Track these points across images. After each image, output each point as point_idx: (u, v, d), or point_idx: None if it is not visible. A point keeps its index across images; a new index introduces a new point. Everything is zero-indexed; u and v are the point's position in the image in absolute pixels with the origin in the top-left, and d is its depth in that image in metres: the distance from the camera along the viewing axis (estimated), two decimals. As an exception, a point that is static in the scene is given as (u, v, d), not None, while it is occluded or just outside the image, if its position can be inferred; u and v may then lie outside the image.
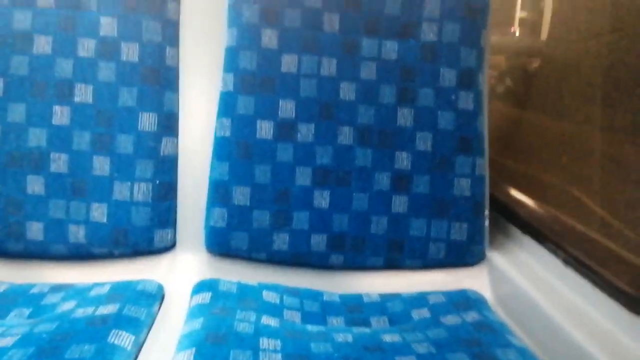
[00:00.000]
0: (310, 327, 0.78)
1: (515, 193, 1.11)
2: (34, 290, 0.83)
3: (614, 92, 1.03)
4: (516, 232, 0.99)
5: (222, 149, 0.90)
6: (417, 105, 0.94)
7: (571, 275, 0.81)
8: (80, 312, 0.73)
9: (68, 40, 0.88)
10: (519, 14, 1.56)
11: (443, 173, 0.94)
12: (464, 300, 0.87)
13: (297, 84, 0.92)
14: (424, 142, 0.94)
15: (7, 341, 0.66)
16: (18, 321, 0.75)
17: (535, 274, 0.88)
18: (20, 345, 0.65)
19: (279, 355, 0.67)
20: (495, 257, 0.97)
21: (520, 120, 1.38)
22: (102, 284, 0.83)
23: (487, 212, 0.97)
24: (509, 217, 1.03)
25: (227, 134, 0.90)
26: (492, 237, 1.00)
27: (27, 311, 0.78)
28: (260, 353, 0.67)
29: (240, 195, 0.89)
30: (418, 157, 0.93)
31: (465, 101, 0.95)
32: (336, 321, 0.83)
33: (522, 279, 0.88)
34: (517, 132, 1.37)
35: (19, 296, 0.82)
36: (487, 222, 0.97)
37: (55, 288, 0.84)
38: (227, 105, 0.91)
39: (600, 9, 1.10)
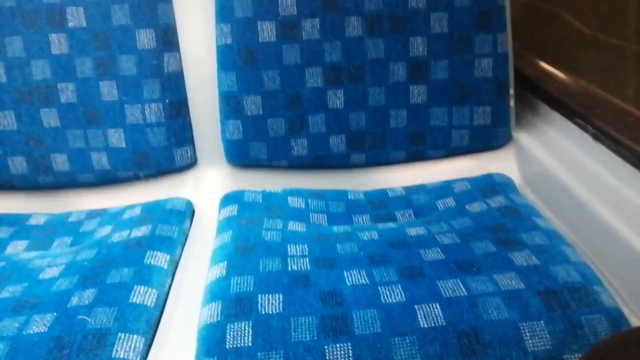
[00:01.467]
0: (336, 228, 0.80)
1: (544, 66, 1.04)
2: (72, 219, 0.87)
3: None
4: (545, 109, 0.94)
5: (225, 57, 0.87)
6: None
7: (601, 151, 0.77)
8: (116, 237, 0.77)
9: None
10: None
11: (462, 55, 0.88)
12: (490, 185, 0.85)
13: None
14: (439, 23, 0.87)
15: (54, 271, 0.71)
16: (61, 250, 0.80)
17: (564, 153, 0.85)
18: (66, 274, 0.69)
19: (307, 260, 0.69)
20: (522, 137, 0.94)
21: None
22: (133, 206, 0.86)
23: (511, 92, 0.92)
24: (537, 93, 0.97)
25: (229, 40, 0.86)
26: (519, 117, 0.96)
27: (68, 240, 0.83)
28: (289, 259, 0.69)
29: (252, 105, 0.87)
30: (434, 40, 0.87)
31: None
32: (362, 219, 0.84)
33: (550, 158, 0.85)
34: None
35: (59, 226, 0.86)
36: (512, 102, 0.92)
37: (91, 214, 0.88)
38: (224, 9, 0.86)
39: None
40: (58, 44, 0.85)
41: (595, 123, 0.80)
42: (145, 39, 0.86)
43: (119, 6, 0.85)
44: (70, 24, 0.85)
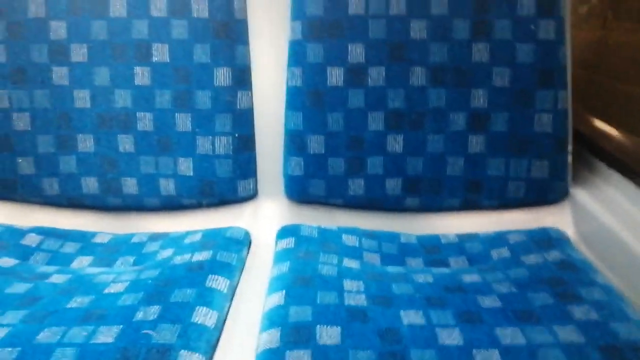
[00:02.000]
0: (390, 269, 0.81)
1: (601, 125, 1.05)
2: (135, 240, 0.91)
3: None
4: (602, 167, 0.95)
5: (294, 98, 0.92)
6: (493, 38, 0.90)
7: None
8: (178, 259, 0.80)
9: (141, 1, 0.91)
10: None
11: (522, 109, 0.90)
12: (545, 239, 0.86)
13: (365, 26, 0.90)
14: (501, 77, 0.90)
15: (119, 287, 0.74)
16: (125, 268, 0.83)
17: (621, 210, 0.84)
18: (130, 290, 0.73)
19: (363, 296, 0.71)
20: (579, 193, 0.94)
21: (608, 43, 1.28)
22: (194, 232, 0.90)
23: (570, 147, 0.93)
24: (594, 151, 0.98)
25: (299, 83, 0.91)
26: (576, 173, 0.97)
27: (131, 259, 0.87)
28: (345, 294, 0.71)
29: (315, 144, 0.91)
30: (495, 93, 0.90)
31: (546, 30, 0.89)
32: (415, 262, 0.85)
33: (607, 215, 0.85)
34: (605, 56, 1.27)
35: (122, 245, 0.90)
36: (570, 158, 0.93)
37: (153, 237, 0.92)
38: (296, 54, 0.91)
39: None
40: (141, 76, 0.92)
41: (655, 183, 0.81)
42: (222, 76, 0.92)
43: (201, 45, 0.91)
44: (155, 59, 0.92)
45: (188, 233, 0.90)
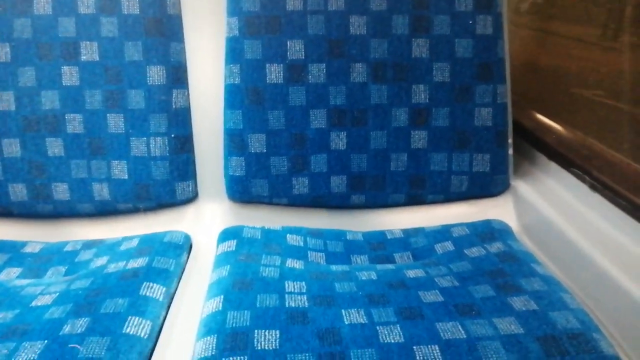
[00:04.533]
0: (334, 267, 0.79)
1: (542, 118, 1.07)
2: (68, 248, 0.87)
3: None
4: (542, 159, 0.96)
5: (233, 96, 0.89)
6: (433, 34, 0.89)
7: (598, 201, 0.79)
8: (112, 267, 0.76)
9: None
10: None
11: (463, 104, 0.91)
12: (488, 231, 0.86)
13: (304, 22, 0.88)
14: (441, 72, 0.90)
15: (47, 299, 0.70)
16: (55, 279, 0.79)
17: (561, 201, 0.86)
18: (59, 302, 0.68)
19: (305, 297, 0.69)
20: (520, 185, 0.95)
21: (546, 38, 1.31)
22: (130, 238, 0.85)
23: (510, 141, 0.94)
24: (535, 144, 0.99)
25: (237, 80, 0.88)
26: (517, 166, 0.98)
27: (63, 269, 0.82)
28: (286, 296, 0.69)
29: (256, 143, 0.89)
30: (436, 89, 0.90)
31: (484, 25, 0.90)
32: (360, 260, 0.84)
33: (548, 207, 0.86)
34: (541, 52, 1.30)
35: (54, 254, 0.85)
36: (510, 151, 0.94)
37: (87, 244, 0.87)
38: (234, 51, 0.89)
39: None
40: (69, 75, 0.87)
41: (592, 174, 0.82)
42: (156, 75, 0.88)
43: (133, 43, 0.87)
44: (83, 57, 0.87)
45: (124, 239, 0.86)
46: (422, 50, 0.90)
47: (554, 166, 0.92)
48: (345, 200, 0.93)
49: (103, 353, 0.59)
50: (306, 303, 0.67)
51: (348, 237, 0.89)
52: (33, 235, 0.91)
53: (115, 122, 0.88)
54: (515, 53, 0.97)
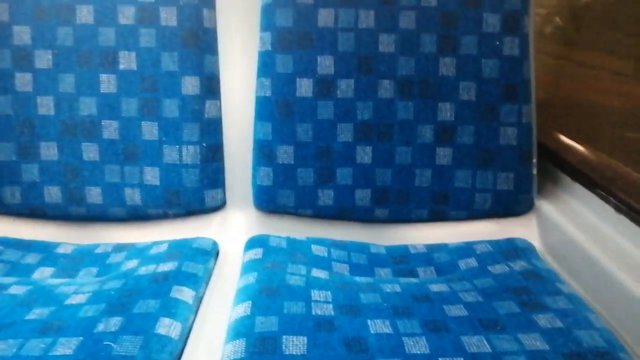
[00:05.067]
0: (358, 279, 0.80)
1: (565, 139, 1.08)
2: (99, 250, 0.89)
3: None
4: (566, 180, 0.97)
5: (263, 109, 0.91)
6: (460, 53, 0.91)
7: (623, 222, 0.79)
8: (143, 270, 0.78)
9: (108, 9, 0.90)
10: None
11: (488, 123, 0.92)
12: (512, 249, 0.87)
13: (334, 39, 0.91)
14: (467, 91, 0.92)
15: (81, 298, 0.72)
16: (88, 279, 0.81)
17: (585, 222, 0.86)
18: (92, 301, 0.70)
19: (330, 306, 0.70)
20: (544, 205, 0.96)
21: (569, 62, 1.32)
22: (160, 243, 0.88)
23: (534, 160, 0.95)
24: (559, 165, 1.00)
25: (268, 93, 0.91)
26: (541, 186, 0.99)
27: (94, 270, 0.84)
28: (312, 304, 0.70)
29: (284, 154, 0.91)
30: (462, 107, 0.92)
31: (510, 47, 0.92)
32: (383, 272, 0.85)
33: (572, 227, 0.87)
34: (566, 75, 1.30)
35: (86, 256, 0.88)
36: (535, 171, 0.95)
37: (118, 248, 0.90)
38: (266, 65, 0.91)
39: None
40: (107, 83, 0.90)
41: (617, 195, 0.83)
42: (190, 85, 0.91)
43: (169, 54, 0.91)
44: (122, 66, 0.90)
45: (154, 244, 0.88)
46: (449, 69, 0.91)
47: (578, 187, 0.93)
48: (369, 214, 0.94)
49: (136, 351, 0.61)
50: (332, 312, 0.69)
51: (372, 250, 0.91)
52: (65, 237, 0.93)
53: (150, 130, 0.91)
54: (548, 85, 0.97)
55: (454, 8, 0.91)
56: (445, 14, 0.91)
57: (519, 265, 0.81)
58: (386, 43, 0.91)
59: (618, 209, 0.81)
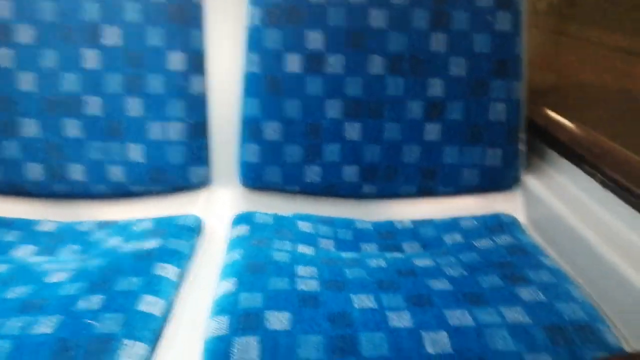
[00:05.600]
0: (344, 254, 0.80)
1: (553, 115, 1.08)
2: (81, 228, 0.88)
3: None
4: (554, 155, 0.97)
5: (251, 85, 0.90)
6: (452, 29, 0.90)
7: (609, 198, 0.79)
8: (126, 247, 0.78)
9: None
10: None
11: (477, 98, 0.91)
12: (496, 224, 0.87)
13: (324, 13, 0.89)
14: (458, 67, 0.90)
15: (62, 276, 0.71)
16: (69, 257, 0.80)
17: (571, 197, 0.86)
18: (74, 279, 0.70)
19: (315, 282, 0.70)
20: (531, 181, 0.96)
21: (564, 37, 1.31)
22: (144, 220, 0.87)
23: (522, 136, 0.94)
24: (547, 141, 1.00)
25: (256, 69, 0.89)
26: (529, 161, 0.99)
27: (76, 247, 0.83)
28: (297, 280, 0.70)
29: (272, 131, 0.90)
30: (452, 83, 0.91)
31: (502, 22, 0.90)
32: (369, 248, 0.85)
33: (558, 202, 0.87)
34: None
35: (68, 233, 0.87)
36: (522, 146, 0.95)
37: (101, 225, 0.89)
38: (253, 40, 0.89)
39: None
40: (90, 59, 0.88)
41: (604, 171, 0.82)
42: (176, 60, 0.89)
43: (154, 28, 0.88)
44: (105, 41, 0.88)
45: (137, 221, 0.87)
46: (440, 44, 0.90)
47: (565, 163, 0.93)
48: (356, 190, 0.94)
49: (118, 329, 0.61)
50: (317, 287, 0.69)
51: (357, 226, 0.91)
52: (47, 214, 0.92)
53: (134, 106, 0.89)
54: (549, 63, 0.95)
55: None
56: None
57: (504, 239, 0.82)
58: (377, 18, 0.89)
59: (604, 185, 0.81)
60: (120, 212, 0.92)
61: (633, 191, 0.76)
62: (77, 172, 0.91)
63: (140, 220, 0.87)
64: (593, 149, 0.90)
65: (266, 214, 0.89)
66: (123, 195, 0.93)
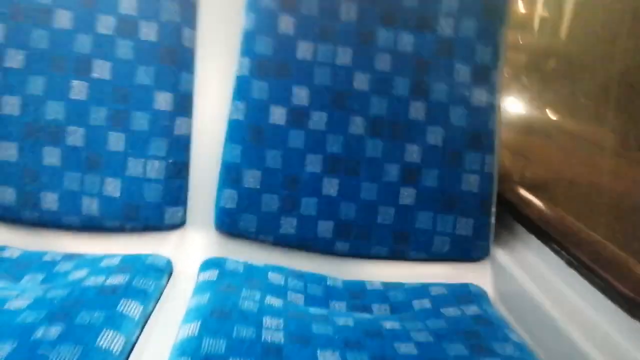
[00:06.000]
0: (312, 310, 0.80)
1: (523, 192, 1.12)
2: (47, 258, 0.86)
3: (628, 97, 1.02)
4: (522, 231, 1.00)
5: (235, 132, 0.92)
6: (430, 99, 0.95)
7: (574, 277, 0.82)
8: (91, 281, 0.75)
9: (88, 16, 0.90)
10: (539, 13, 1.55)
11: (452, 168, 0.95)
12: (465, 294, 0.88)
13: (311, 71, 0.93)
14: (434, 136, 0.94)
15: (21, 303, 0.68)
16: (31, 285, 0.77)
17: (538, 273, 0.89)
18: (33, 307, 0.67)
19: (281, 334, 0.69)
20: (499, 253, 0.98)
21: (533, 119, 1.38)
22: (112, 256, 0.85)
23: (493, 209, 0.97)
24: (516, 216, 1.03)
25: (241, 117, 0.91)
26: (498, 234, 1.01)
27: (40, 276, 0.81)
28: (263, 330, 0.69)
29: (251, 178, 0.91)
30: (428, 150, 0.94)
31: (479, 97, 0.96)
32: (338, 305, 0.85)
33: (524, 277, 0.89)
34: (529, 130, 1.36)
35: (32, 262, 0.84)
36: (493, 219, 0.98)
37: (68, 257, 0.86)
38: (241, 89, 0.92)
39: (619, 13, 1.09)
40: (78, 89, 0.89)
41: (570, 250, 0.85)
42: (163, 100, 0.91)
43: (145, 67, 0.90)
44: (95, 74, 0.90)
45: (106, 256, 0.85)
46: (418, 112, 0.94)
47: (533, 239, 0.96)
48: (329, 246, 0.94)
49: (73, 363, 0.58)
50: (282, 339, 0.67)
51: (328, 283, 0.90)
52: (13, 240, 0.90)
53: (116, 141, 0.90)
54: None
55: (428, 55, 0.94)
56: (420, 60, 0.94)
57: (471, 310, 0.82)
58: (361, 81, 0.94)
59: (570, 264, 0.84)
60: (90, 246, 0.90)
61: (598, 273, 0.78)
62: (50, 201, 0.89)
63: (108, 256, 0.85)
64: (560, 228, 0.94)
65: (237, 261, 0.88)
66: (94, 229, 0.92)
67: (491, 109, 0.97)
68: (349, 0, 0.93)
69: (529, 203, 1.09)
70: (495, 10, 0.97)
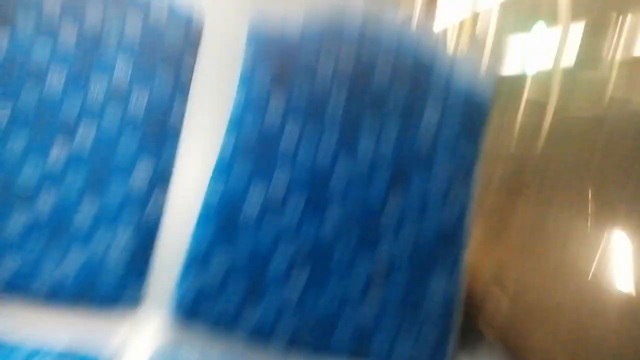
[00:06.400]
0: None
1: (489, 304, 1.11)
2: None
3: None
4: (487, 340, 0.98)
5: (207, 216, 0.90)
6: (409, 192, 0.93)
7: None
8: None
9: (81, 77, 0.89)
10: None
11: (421, 271, 0.93)
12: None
13: (294, 159, 0.91)
14: (406, 237, 0.93)
15: None
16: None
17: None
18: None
19: None
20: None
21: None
22: (48, 353, 0.79)
23: (459, 319, 0.96)
24: (482, 323, 1.02)
25: (216, 200, 0.90)
26: (463, 339, 0.99)
27: None
28: None
29: (217, 265, 0.89)
30: (398, 252, 0.93)
31: (458, 193, 0.95)
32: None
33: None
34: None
35: None
36: (458, 326, 0.96)
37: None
38: (221, 171, 0.91)
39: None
40: (57, 154, 0.88)
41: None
42: (142, 173, 0.89)
43: (129, 138, 0.89)
44: (77, 140, 0.88)
45: (40, 351, 0.79)
46: (394, 211, 0.93)
47: (498, 347, 0.94)
48: (288, 344, 0.91)
49: None
50: None
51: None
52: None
53: (86, 211, 0.87)
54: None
55: (408, 151, 0.94)
56: (400, 153, 0.94)
57: None
58: (341, 172, 0.93)
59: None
60: (37, 322, 0.85)
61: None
62: (3, 270, 0.85)
63: (45, 353, 0.79)
64: (524, 344, 0.93)
65: (191, 351, 0.84)
66: (44, 301, 0.87)
67: (465, 211, 0.96)
68: (339, 84, 0.93)
69: (494, 312, 1.08)
70: (477, 110, 0.97)
